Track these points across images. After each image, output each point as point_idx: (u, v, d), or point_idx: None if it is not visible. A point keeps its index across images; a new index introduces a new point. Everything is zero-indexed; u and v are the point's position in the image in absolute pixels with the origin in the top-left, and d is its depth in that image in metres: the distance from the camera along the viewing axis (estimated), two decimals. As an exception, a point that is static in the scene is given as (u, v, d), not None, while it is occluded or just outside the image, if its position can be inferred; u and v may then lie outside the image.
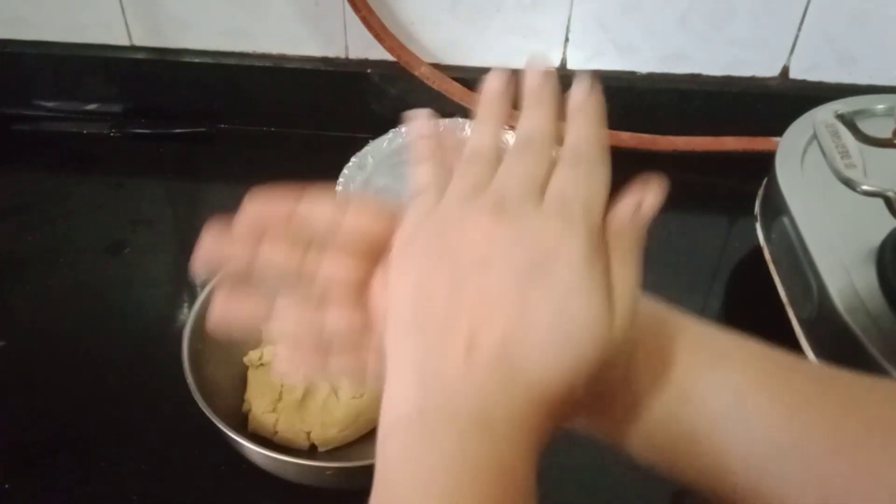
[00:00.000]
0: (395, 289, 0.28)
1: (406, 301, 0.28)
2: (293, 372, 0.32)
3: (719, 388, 0.29)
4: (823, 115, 0.53)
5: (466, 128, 0.75)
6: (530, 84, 0.32)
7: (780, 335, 0.54)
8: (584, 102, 0.32)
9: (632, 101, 0.74)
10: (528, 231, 0.27)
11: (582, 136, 0.30)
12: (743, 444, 0.28)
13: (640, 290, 0.29)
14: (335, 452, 0.49)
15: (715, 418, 0.28)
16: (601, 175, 0.30)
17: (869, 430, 0.27)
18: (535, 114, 0.31)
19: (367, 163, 0.71)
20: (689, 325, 0.31)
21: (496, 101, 0.33)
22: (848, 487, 0.27)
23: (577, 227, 0.27)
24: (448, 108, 0.74)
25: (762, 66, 0.72)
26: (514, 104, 0.34)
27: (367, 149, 0.71)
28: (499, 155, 0.30)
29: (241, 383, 0.51)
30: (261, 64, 0.73)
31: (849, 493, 0.27)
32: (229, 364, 0.51)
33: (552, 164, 0.29)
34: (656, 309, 0.32)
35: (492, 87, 0.34)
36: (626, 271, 0.28)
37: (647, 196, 0.30)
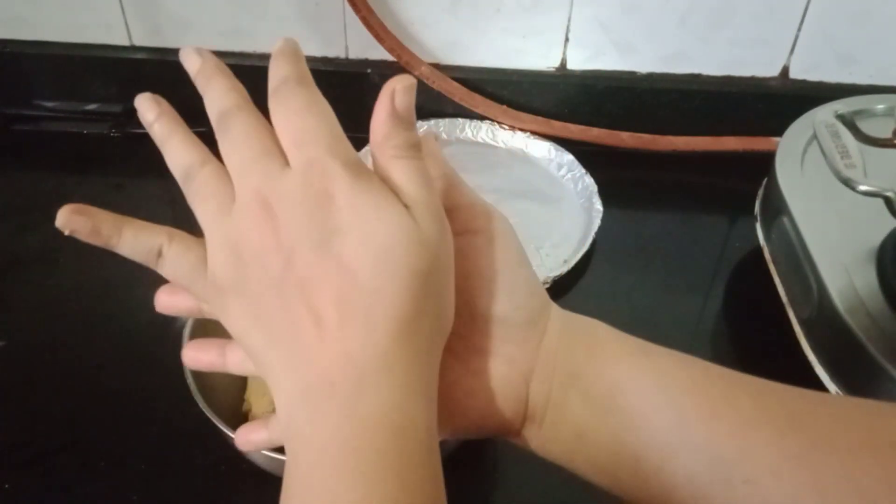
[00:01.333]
0: (227, 312, 0.29)
1: (240, 316, 0.28)
2: (194, 365, 0.34)
3: (664, 410, 0.29)
4: (823, 115, 0.53)
5: (466, 128, 0.75)
6: (193, 66, 0.33)
7: (779, 335, 0.54)
8: (278, 49, 0.32)
9: (632, 101, 0.74)
10: (294, 197, 0.27)
11: (281, 77, 0.30)
12: (687, 464, 0.28)
13: (433, 184, 0.28)
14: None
15: (657, 440, 0.28)
16: (317, 102, 0.29)
17: (813, 447, 0.27)
18: (214, 88, 0.32)
19: (367, 163, 0.71)
20: (633, 347, 0.31)
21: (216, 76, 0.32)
22: None
23: (331, 165, 0.27)
24: (448, 109, 0.74)
25: (762, 66, 0.72)
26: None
27: (366, 149, 0.71)
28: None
29: (241, 383, 0.51)
30: (261, 64, 0.73)
31: None
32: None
33: (264, 123, 0.29)
34: (598, 332, 0.31)
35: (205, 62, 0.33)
36: (410, 172, 0.28)
37: (396, 94, 0.29)
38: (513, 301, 0.30)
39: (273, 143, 0.28)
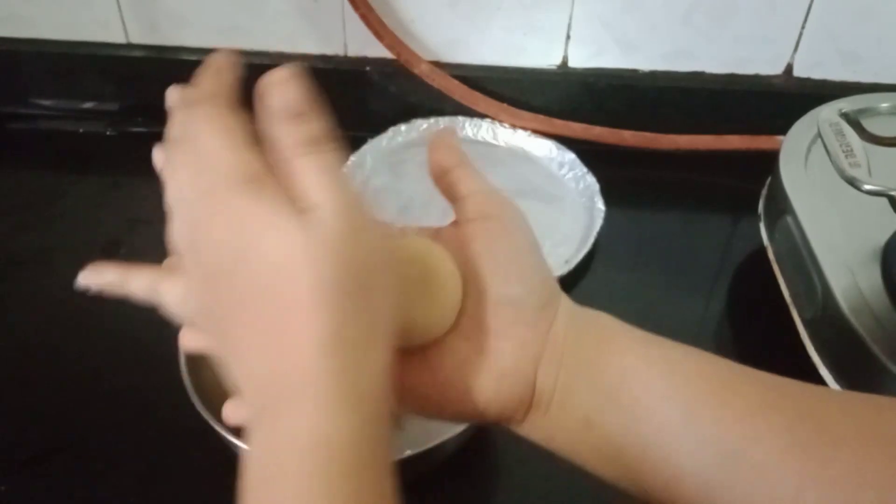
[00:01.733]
0: (197, 314, 0.29)
1: (203, 340, 0.29)
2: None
3: (670, 400, 0.29)
4: (827, 113, 0.53)
5: (466, 126, 0.74)
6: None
7: (783, 335, 0.54)
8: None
9: (634, 99, 0.73)
10: (201, 228, 0.27)
11: (190, 98, 0.30)
12: (692, 453, 0.28)
13: (344, 178, 0.27)
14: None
15: (665, 429, 0.29)
16: (212, 118, 0.28)
17: (819, 439, 0.27)
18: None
19: (366, 161, 0.70)
20: (641, 338, 0.31)
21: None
22: (796, 495, 0.27)
23: (221, 189, 0.26)
24: (448, 107, 0.74)
25: (766, 63, 0.72)
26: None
27: (365, 147, 0.71)
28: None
29: None
30: (259, 62, 0.73)
31: (798, 500, 0.27)
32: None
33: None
34: (608, 323, 0.32)
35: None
36: (311, 171, 0.26)
37: (272, 93, 0.28)
38: (525, 285, 0.30)
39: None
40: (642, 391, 0.29)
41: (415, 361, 0.30)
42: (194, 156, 0.27)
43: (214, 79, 0.30)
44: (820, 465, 0.27)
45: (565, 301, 0.32)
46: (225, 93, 0.29)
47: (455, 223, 0.32)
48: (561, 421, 0.30)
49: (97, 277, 0.33)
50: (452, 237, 0.32)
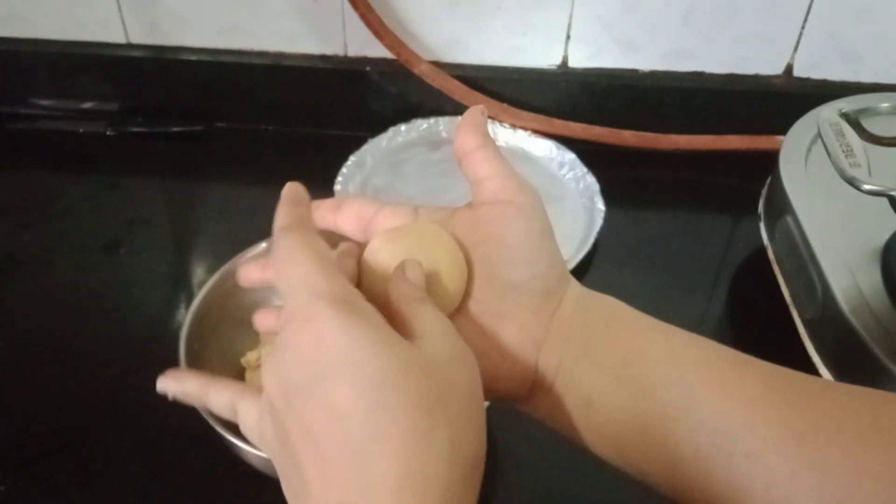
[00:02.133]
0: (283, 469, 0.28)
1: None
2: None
3: (671, 385, 0.29)
4: (828, 113, 0.53)
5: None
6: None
7: (783, 335, 0.54)
8: (280, 197, 0.33)
9: (634, 99, 0.73)
10: (286, 347, 0.26)
11: (274, 229, 0.31)
12: (690, 438, 0.28)
13: (446, 320, 0.28)
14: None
15: (664, 413, 0.29)
16: (302, 245, 0.28)
17: (818, 427, 0.28)
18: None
19: (366, 161, 0.70)
20: (648, 323, 0.32)
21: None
22: (793, 481, 0.27)
23: (315, 307, 0.26)
24: (448, 107, 0.74)
25: (766, 63, 0.72)
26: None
27: (365, 147, 0.71)
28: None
29: None
30: (259, 62, 0.73)
31: (793, 486, 0.27)
32: (226, 365, 0.50)
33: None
34: (616, 307, 0.32)
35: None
36: (417, 311, 0.28)
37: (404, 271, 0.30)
38: (532, 270, 0.30)
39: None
40: (644, 374, 0.29)
41: None
42: (279, 280, 0.28)
43: (295, 208, 0.32)
44: (817, 453, 0.27)
45: (574, 285, 0.32)
46: (308, 222, 0.31)
47: (470, 204, 0.32)
48: (563, 400, 0.31)
49: (178, 385, 0.33)
50: (467, 218, 0.32)
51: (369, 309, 0.26)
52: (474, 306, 0.31)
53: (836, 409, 0.28)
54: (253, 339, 0.52)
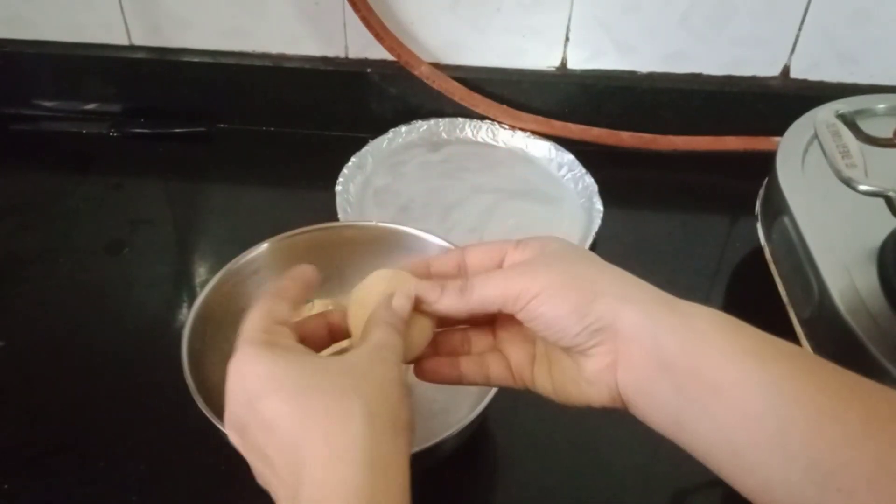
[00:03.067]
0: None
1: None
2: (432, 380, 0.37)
3: (766, 420, 0.29)
4: (824, 114, 0.53)
5: (466, 128, 0.75)
6: None
7: (780, 335, 0.54)
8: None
9: (632, 100, 0.73)
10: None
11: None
12: (783, 468, 0.29)
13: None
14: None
15: (756, 443, 0.29)
16: (262, 298, 0.34)
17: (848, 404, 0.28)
18: None
19: (367, 162, 0.71)
20: (741, 347, 0.31)
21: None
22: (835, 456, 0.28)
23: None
24: (448, 108, 0.74)
25: (763, 65, 0.72)
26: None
27: (366, 148, 0.71)
28: None
29: None
30: (260, 63, 0.73)
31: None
32: (228, 365, 0.51)
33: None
34: (697, 324, 0.32)
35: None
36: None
37: None
38: (569, 333, 0.32)
39: None
40: (735, 407, 0.29)
41: (542, 372, 0.36)
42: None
43: (283, 281, 0.36)
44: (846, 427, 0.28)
45: (638, 302, 0.33)
46: (291, 290, 0.35)
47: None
48: (651, 417, 0.32)
49: None
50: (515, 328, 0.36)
51: (288, 342, 0.32)
52: (552, 352, 0.35)
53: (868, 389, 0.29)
54: None
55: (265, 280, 0.53)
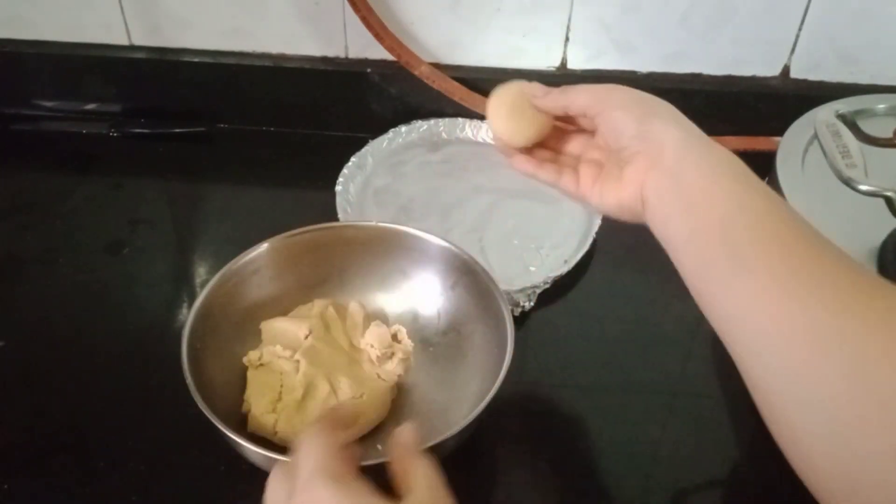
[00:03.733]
0: None
1: None
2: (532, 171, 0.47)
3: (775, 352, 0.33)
4: (824, 114, 0.53)
5: (466, 127, 0.75)
6: None
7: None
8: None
9: (632, 100, 0.73)
10: None
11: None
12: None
13: (436, 478, 0.35)
14: (334, 453, 0.49)
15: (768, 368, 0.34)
16: (310, 434, 0.36)
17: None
18: None
19: (367, 162, 0.71)
20: (744, 183, 0.38)
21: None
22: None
23: (315, 483, 0.33)
24: (448, 108, 0.74)
25: (763, 65, 0.72)
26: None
27: (366, 148, 0.71)
28: None
29: (241, 383, 0.51)
30: (260, 63, 0.73)
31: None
32: (228, 364, 0.51)
33: None
34: (710, 165, 0.38)
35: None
36: (411, 468, 0.35)
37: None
38: (624, 138, 0.41)
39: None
40: (707, 214, 0.37)
41: (595, 183, 0.44)
42: (293, 464, 0.35)
43: (333, 415, 0.38)
44: (827, 314, 0.31)
45: (679, 132, 0.40)
46: (335, 427, 0.37)
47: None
48: (658, 221, 0.40)
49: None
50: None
51: (358, 484, 0.33)
52: (608, 166, 0.44)
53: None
54: (254, 339, 0.52)
55: (266, 280, 0.53)
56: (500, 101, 0.47)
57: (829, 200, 0.55)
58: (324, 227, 0.54)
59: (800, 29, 0.69)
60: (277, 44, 0.73)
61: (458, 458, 0.48)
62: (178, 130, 0.75)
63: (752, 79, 0.73)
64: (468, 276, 0.52)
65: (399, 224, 0.55)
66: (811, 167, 0.59)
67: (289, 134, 0.76)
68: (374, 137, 0.72)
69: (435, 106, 0.74)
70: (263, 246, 0.52)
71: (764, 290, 0.33)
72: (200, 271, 0.63)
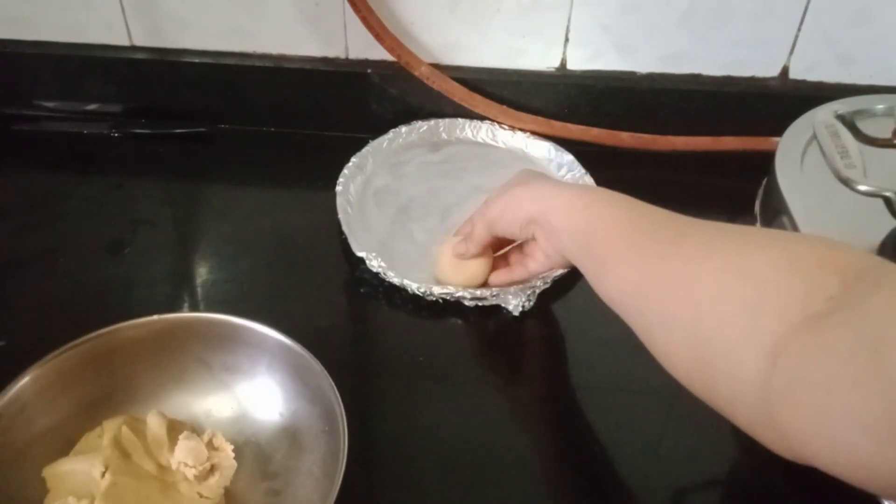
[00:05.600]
0: None
1: None
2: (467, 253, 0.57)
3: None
4: (823, 115, 0.53)
5: (466, 128, 0.75)
6: None
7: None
8: None
9: (631, 101, 0.74)
10: None
11: None
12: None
13: None
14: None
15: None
16: None
17: (660, 238, 0.43)
18: None
19: (367, 163, 0.71)
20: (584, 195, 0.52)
21: None
22: (639, 288, 0.43)
23: None
24: (448, 109, 0.74)
25: (762, 66, 0.72)
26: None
27: (367, 149, 0.71)
28: None
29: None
30: (261, 64, 0.73)
31: (640, 293, 0.43)
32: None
33: None
34: (593, 216, 0.49)
35: None
36: None
37: None
38: (518, 236, 0.55)
39: None
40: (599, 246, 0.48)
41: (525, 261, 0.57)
42: None
43: None
44: (658, 260, 0.40)
45: (551, 204, 0.51)
46: None
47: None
48: (577, 262, 0.50)
49: None
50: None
51: None
52: (527, 248, 0.57)
53: (688, 230, 0.43)
54: (40, 491, 0.44)
55: (36, 416, 0.45)
56: (441, 266, 0.59)
57: (827, 201, 0.55)
58: (95, 336, 0.47)
59: (798, 30, 0.70)
60: (278, 44, 0.73)
61: (453, 457, 0.48)
62: (178, 131, 0.75)
63: (751, 79, 0.73)
64: (279, 352, 0.47)
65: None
66: (810, 167, 0.59)
67: (289, 134, 0.77)
68: (374, 138, 0.72)
69: (435, 106, 0.74)
70: (24, 379, 0.45)
71: (616, 274, 0.44)
72: (201, 271, 0.63)
